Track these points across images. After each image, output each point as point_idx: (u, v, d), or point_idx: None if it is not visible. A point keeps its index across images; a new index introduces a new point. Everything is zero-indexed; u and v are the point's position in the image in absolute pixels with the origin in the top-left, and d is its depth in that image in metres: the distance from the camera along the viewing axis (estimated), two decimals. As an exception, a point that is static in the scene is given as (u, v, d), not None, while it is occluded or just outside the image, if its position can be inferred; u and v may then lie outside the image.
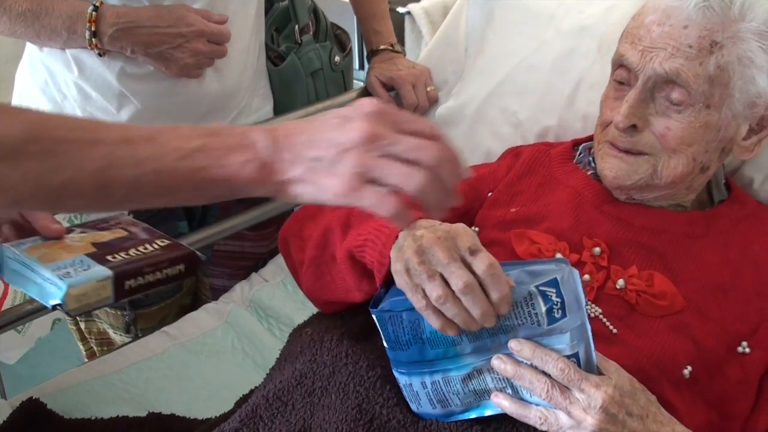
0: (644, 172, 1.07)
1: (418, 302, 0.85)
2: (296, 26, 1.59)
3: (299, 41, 1.58)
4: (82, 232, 0.95)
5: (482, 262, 0.83)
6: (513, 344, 0.87)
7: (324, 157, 0.71)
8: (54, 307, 0.84)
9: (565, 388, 0.86)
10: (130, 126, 0.74)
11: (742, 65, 1.01)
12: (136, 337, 1.50)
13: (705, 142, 1.05)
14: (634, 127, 1.06)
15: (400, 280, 0.87)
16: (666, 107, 1.04)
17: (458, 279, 0.82)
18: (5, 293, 1.24)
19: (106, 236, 0.95)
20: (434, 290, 0.83)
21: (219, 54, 1.35)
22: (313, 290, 1.13)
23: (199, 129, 0.73)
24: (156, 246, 0.93)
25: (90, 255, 0.89)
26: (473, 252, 0.84)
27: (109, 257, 0.88)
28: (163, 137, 0.71)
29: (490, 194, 1.22)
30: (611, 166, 1.09)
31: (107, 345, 1.58)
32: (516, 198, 1.19)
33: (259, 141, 0.72)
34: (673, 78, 1.02)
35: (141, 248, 0.92)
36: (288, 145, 0.72)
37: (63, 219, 1.14)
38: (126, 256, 0.89)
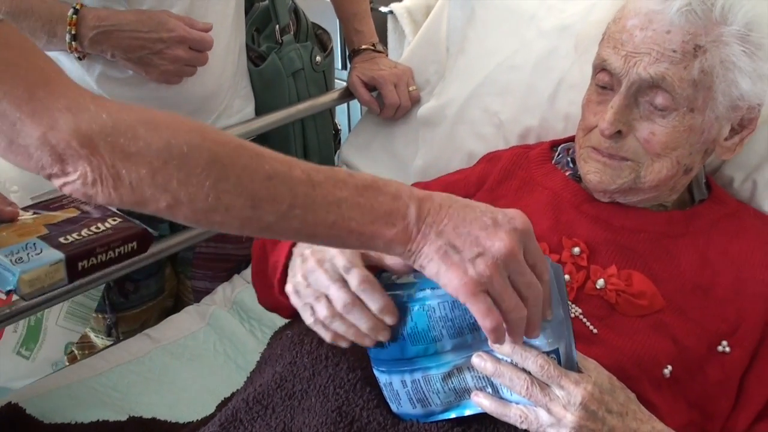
0: (627, 176, 1.07)
1: (308, 319, 0.90)
2: (277, 26, 1.58)
3: (280, 41, 1.58)
4: (35, 213, 0.96)
5: (354, 279, 0.86)
6: (493, 344, 0.86)
7: (462, 250, 0.75)
8: (8, 293, 0.85)
9: (545, 385, 0.86)
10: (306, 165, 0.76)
11: (725, 68, 1.02)
12: (117, 340, 1.49)
13: (689, 145, 1.05)
14: (618, 132, 1.06)
15: (293, 300, 0.92)
16: (650, 112, 1.04)
17: (338, 300, 0.86)
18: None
19: (58, 216, 0.95)
20: (321, 311, 0.88)
21: (200, 62, 1.33)
22: (261, 299, 1.17)
23: (357, 179, 0.76)
24: (108, 225, 0.93)
25: (42, 237, 0.90)
26: (347, 270, 0.87)
27: (61, 239, 0.89)
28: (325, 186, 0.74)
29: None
30: (596, 170, 1.09)
31: (88, 348, 1.57)
32: (496, 202, 1.18)
33: (411, 212, 0.75)
34: (658, 82, 1.01)
35: (93, 228, 0.92)
36: (436, 222, 0.76)
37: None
38: (78, 237, 0.90)
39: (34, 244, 0.88)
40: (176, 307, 1.54)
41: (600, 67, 1.09)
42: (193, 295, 1.62)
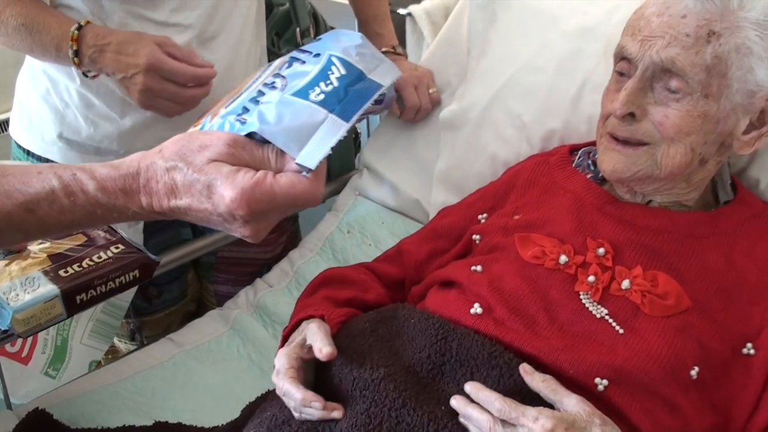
0: (643, 163, 1.07)
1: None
2: (297, 29, 1.58)
3: (301, 44, 1.58)
4: (42, 242, 0.97)
5: (278, 384, 1.02)
6: (467, 387, 0.94)
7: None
8: (5, 332, 0.86)
9: (508, 424, 0.90)
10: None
11: (740, 54, 1.02)
12: (141, 345, 1.49)
13: (704, 133, 1.05)
14: (632, 115, 1.06)
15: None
16: (665, 96, 1.05)
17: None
18: (34, 341, 1.25)
19: (64, 245, 0.96)
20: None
21: (181, 98, 1.24)
22: None
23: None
24: (110, 254, 0.94)
25: (44, 270, 0.91)
26: (276, 375, 1.02)
27: (61, 272, 0.90)
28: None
29: (482, 216, 1.25)
30: (610, 159, 1.10)
31: (112, 354, 1.58)
32: (521, 208, 1.21)
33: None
34: (668, 66, 1.03)
35: (95, 257, 0.93)
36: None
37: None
38: (78, 269, 0.91)
39: (33, 278, 0.89)
40: (199, 312, 1.55)
41: (620, 56, 1.10)
42: (215, 299, 1.63)
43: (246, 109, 0.77)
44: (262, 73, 0.83)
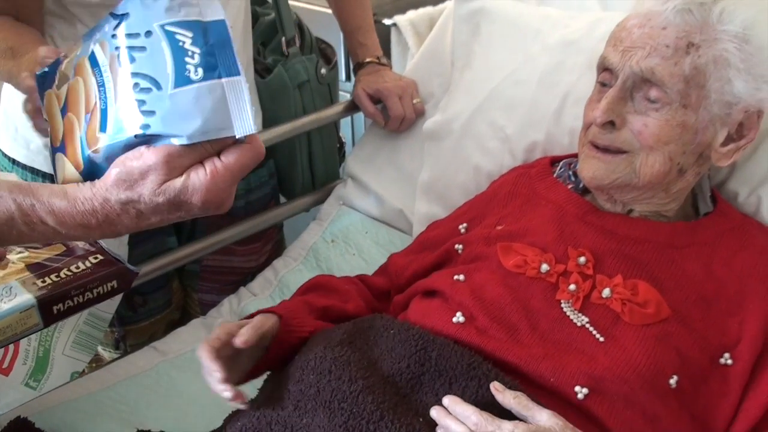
0: (622, 171, 1.09)
1: None
2: (283, 38, 1.59)
3: (286, 53, 1.59)
4: (21, 251, 0.96)
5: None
6: (445, 400, 0.94)
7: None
8: None
9: None
10: None
11: (718, 66, 1.04)
12: (124, 354, 1.49)
13: (682, 143, 1.07)
14: (612, 124, 1.08)
15: None
16: (644, 106, 1.07)
17: None
18: (16, 352, 1.24)
19: (42, 254, 0.96)
20: None
21: None
22: None
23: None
24: (88, 264, 0.94)
25: (21, 279, 0.90)
26: None
27: (39, 281, 0.90)
28: None
29: (462, 226, 1.27)
30: (590, 167, 1.12)
31: (96, 362, 1.57)
32: (503, 219, 1.22)
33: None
34: (648, 76, 1.05)
35: (73, 267, 0.93)
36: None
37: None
38: (56, 279, 0.91)
39: (10, 288, 0.89)
40: (182, 320, 1.54)
41: (602, 66, 1.12)
42: (200, 308, 1.63)
43: (146, 125, 0.73)
44: (100, 78, 0.78)
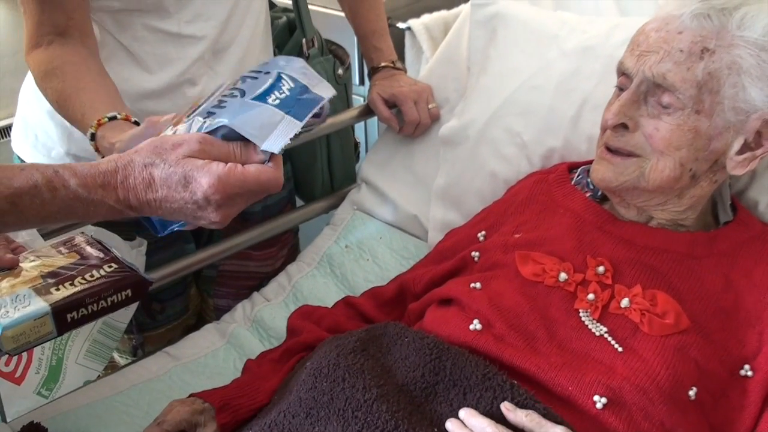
0: (630, 173, 1.09)
1: None
2: (303, 39, 1.59)
3: (307, 54, 1.59)
4: (33, 260, 0.96)
5: None
6: (461, 413, 0.93)
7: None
8: None
9: None
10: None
11: (733, 72, 1.03)
12: (137, 358, 1.49)
13: (694, 149, 1.06)
14: (625, 127, 1.08)
15: None
16: (658, 111, 1.06)
17: None
18: (29, 361, 1.24)
19: (57, 262, 0.96)
20: None
21: None
22: None
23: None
24: (103, 272, 0.93)
25: (35, 287, 0.90)
26: None
27: (53, 289, 0.90)
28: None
29: (480, 234, 1.26)
30: (598, 168, 1.12)
31: (112, 369, 1.57)
32: (520, 227, 1.21)
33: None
34: (660, 81, 1.04)
35: (88, 276, 0.93)
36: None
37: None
38: (70, 287, 0.90)
39: (24, 296, 0.89)
40: (197, 326, 1.54)
41: (620, 71, 1.12)
42: (214, 313, 1.62)
43: (211, 113, 0.87)
44: (216, 91, 0.93)
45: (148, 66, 1.31)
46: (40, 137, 1.39)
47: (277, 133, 0.85)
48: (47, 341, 0.89)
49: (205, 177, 0.79)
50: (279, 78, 0.92)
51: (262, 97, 0.89)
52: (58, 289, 0.90)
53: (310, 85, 0.93)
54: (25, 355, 1.22)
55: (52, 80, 1.18)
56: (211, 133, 0.84)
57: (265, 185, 0.82)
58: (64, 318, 0.88)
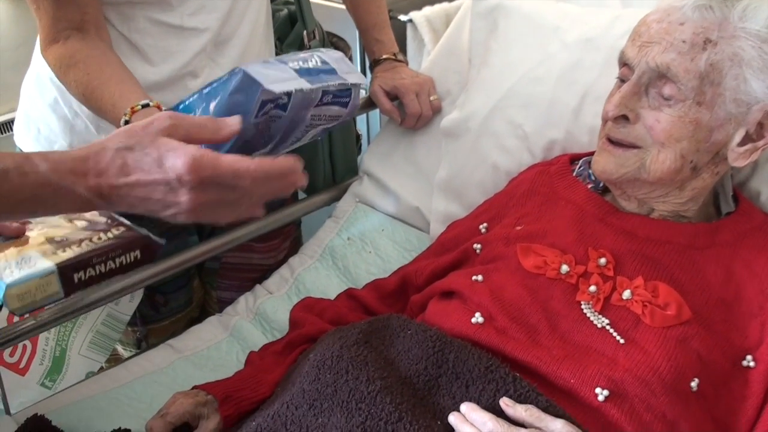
0: (631, 165, 1.09)
1: None
2: (305, 31, 1.59)
3: (308, 45, 1.59)
4: (41, 228, 0.94)
5: None
6: (463, 407, 0.94)
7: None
8: None
9: None
10: None
11: (735, 64, 1.03)
12: (140, 351, 1.49)
13: (695, 141, 1.06)
14: (626, 118, 1.08)
15: None
16: (659, 103, 1.06)
17: None
18: (33, 352, 1.24)
19: (64, 229, 0.94)
20: None
21: None
22: None
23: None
24: (111, 234, 0.92)
25: (41, 250, 0.89)
26: None
27: (59, 251, 0.88)
28: None
29: (482, 226, 1.26)
30: (599, 160, 1.12)
31: (115, 361, 1.58)
32: (522, 219, 1.21)
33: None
34: (664, 72, 1.04)
35: (95, 238, 0.91)
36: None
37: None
38: (77, 249, 0.89)
39: (30, 257, 0.87)
40: (200, 318, 1.54)
41: (621, 62, 1.12)
42: (217, 305, 1.63)
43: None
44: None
45: (151, 58, 1.32)
46: (43, 131, 1.39)
47: (282, 82, 0.87)
48: (54, 302, 0.87)
49: (180, 157, 0.77)
50: (311, 56, 0.97)
51: (284, 60, 0.94)
52: (64, 251, 0.88)
53: (340, 70, 0.96)
54: (29, 345, 1.22)
55: (75, 73, 1.19)
56: (227, 78, 0.88)
57: (240, 175, 0.79)
58: (71, 278, 0.86)
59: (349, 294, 1.34)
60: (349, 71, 0.98)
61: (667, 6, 1.07)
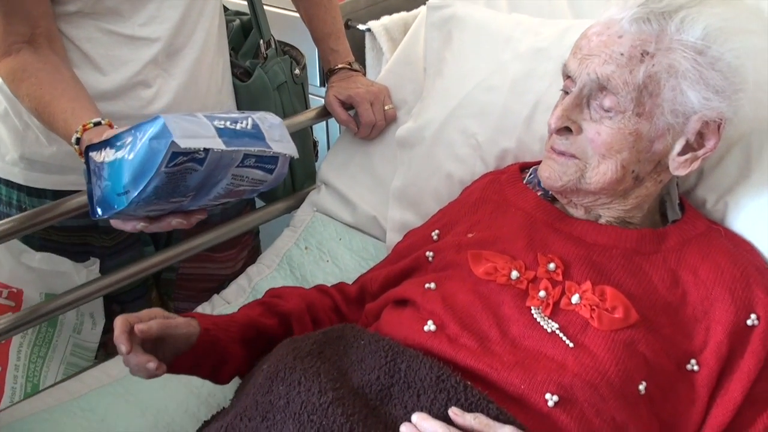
0: (573, 174, 1.11)
1: None
2: (261, 41, 1.60)
3: (265, 55, 1.59)
4: None
5: None
6: (414, 417, 0.94)
7: None
8: None
9: None
10: None
11: (672, 76, 1.05)
12: (95, 363, 1.48)
13: (636, 151, 1.08)
14: (568, 130, 1.10)
15: None
16: (600, 115, 1.08)
17: None
18: (1, 390, 1.24)
19: None
20: None
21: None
22: None
23: None
24: None
25: None
26: None
27: None
28: None
29: (434, 233, 1.27)
30: (545, 168, 1.14)
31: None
32: (474, 226, 1.22)
33: None
34: (604, 83, 1.06)
35: None
36: None
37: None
38: None
39: None
40: (158, 329, 1.53)
41: (565, 74, 1.14)
42: (175, 316, 1.62)
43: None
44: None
45: (102, 67, 1.31)
46: None
47: (195, 139, 0.90)
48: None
49: None
50: (246, 118, 0.98)
51: (211, 117, 0.95)
52: None
53: (269, 137, 0.98)
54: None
55: (28, 87, 1.20)
56: (150, 122, 0.91)
57: None
58: None
59: (320, 288, 1.34)
60: (280, 140, 1.00)
61: (607, 19, 1.08)
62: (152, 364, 1.05)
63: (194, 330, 1.13)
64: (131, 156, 0.93)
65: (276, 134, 1.00)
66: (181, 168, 0.92)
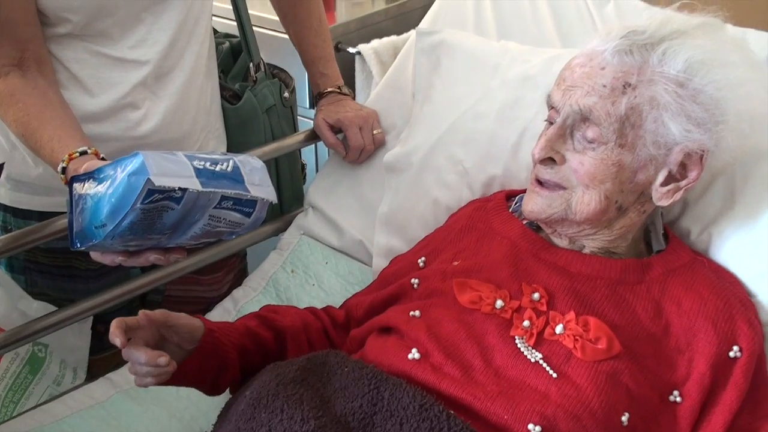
0: (558, 206, 1.12)
1: None
2: (250, 64, 1.60)
3: (254, 78, 1.60)
4: None
5: None
6: None
7: None
8: None
9: None
10: None
11: (653, 108, 1.06)
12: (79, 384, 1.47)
13: (619, 182, 1.09)
14: (552, 160, 1.11)
15: None
16: (583, 146, 1.09)
17: None
18: None
19: None
20: None
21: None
22: None
23: None
24: None
25: None
26: None
27: None
28: None
29: (421, 260, 1.28)
30: (529, 200, 1.15)
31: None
32: (459, 254, 1.23)
33: None
34: (586, 115, 1.07)
35: None
36: None
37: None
38: None
39: None
40: (144, 351, 1.52)
41: (549, 105, 1.15)
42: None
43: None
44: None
45: (90, 89, 1.31)
46: None
47: (171, 178, 0.91)
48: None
49: None
50: (227, 159, 0.99)
51: (191, 157, 0.96)
52: None
53: (249, 181, 0.99)
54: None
55: (15, 112, 1.20)
56: (129, 158, 0.92)
57: None
58: None
59: (311, 310, 1.34)
60: (260, 184, 1.01)
61: (590, 51, 1.10)
62: (163, 359, 1.04)
63: (197, 324, 1.13)
64: (110, 190, 0.94)
65: (256, 178, 1.01)
66: (158, 205, 0.93)
